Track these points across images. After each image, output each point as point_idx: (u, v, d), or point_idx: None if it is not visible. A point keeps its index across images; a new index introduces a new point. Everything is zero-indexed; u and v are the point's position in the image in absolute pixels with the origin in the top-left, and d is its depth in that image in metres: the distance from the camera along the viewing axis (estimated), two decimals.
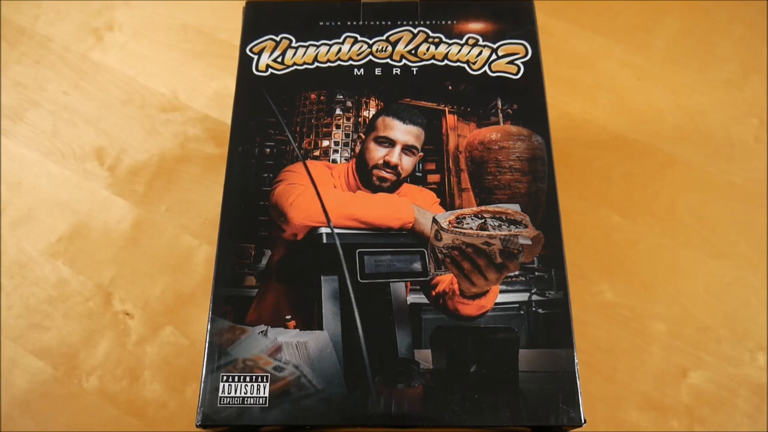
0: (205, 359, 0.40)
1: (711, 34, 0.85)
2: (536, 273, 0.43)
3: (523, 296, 0.42)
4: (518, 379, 0.39)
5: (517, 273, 0.42)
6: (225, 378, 0.39)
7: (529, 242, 0.40)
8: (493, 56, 0.51)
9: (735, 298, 0.68)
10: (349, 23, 0.51)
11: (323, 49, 0.50)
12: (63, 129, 0.79)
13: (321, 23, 0.51)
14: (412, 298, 0.42)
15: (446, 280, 0.42)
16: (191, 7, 0.87)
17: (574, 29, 0.85)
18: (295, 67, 0.49)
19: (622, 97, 0.80)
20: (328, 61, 0.50)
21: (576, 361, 0.41)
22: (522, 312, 0.42)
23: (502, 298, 0.42)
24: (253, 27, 0.51)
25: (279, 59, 0.50)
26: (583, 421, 0.39)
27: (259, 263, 0.42)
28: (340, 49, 0.50)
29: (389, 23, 0.51)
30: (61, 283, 0.69)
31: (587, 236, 0.71)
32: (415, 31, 0.51)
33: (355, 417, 0.39)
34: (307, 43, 0.50)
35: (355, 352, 0.40)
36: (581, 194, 0.74)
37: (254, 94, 0.49)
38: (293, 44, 0.50)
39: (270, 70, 0.49)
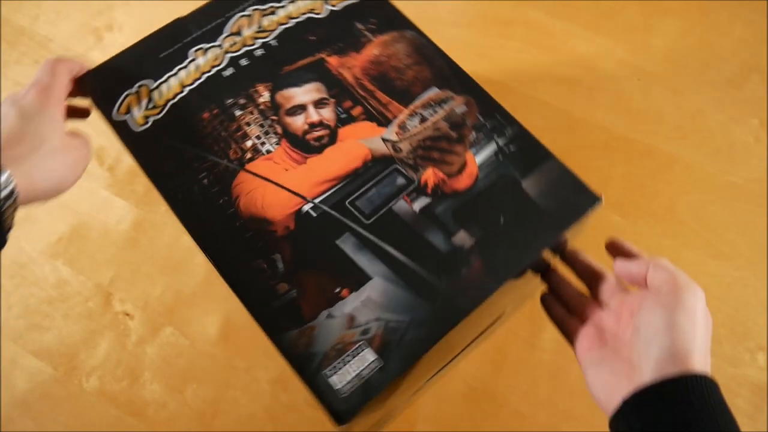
0: (299, 375, 0.40)
1: (711, 34, 0.85)
2: (487, 124, 0.48)
3: (492, 146, 0.47)
4: (537, 204, 0.45)
5: (474, 133, 0.47)
6: (329, 374, 0.39)
7: (465, 108, 0.47)
8: None
9: (735, 298, 0.68)
10: (185, 40, 0.51)
11: (182, 73, 0.50)
12: None
13: (162, 54, 0.51)
14: (417, 206, 0.45)
15: (430, 174, 0.46)
16: (191, 7, 0.87)
17: (574, 29, 0.85)
18: (170, 102, 0.49)
19: (622, 97, 0.80)
20: (195, 79, 0.50)
21: (562, 163, 0.47)
22: (500, 157, 0.47)
23: (479, 158, 0.47)
24: (104, 94, 0.50)
25: (150, 105, 0.49)
26: (599, 197, 0.46)
27: (278, 269, 0.42)
28: (198, 65, 0.50)
29: (221, 20, 0.52)
30: (60, 284, 0.69)
31: (587, 236, 0.71)
32: (249, 13, 0.52)
33: (452, 318, 0.41)
34: (165, 77, 0.50)
35: (409, 273, 0.42)
36: None
37: (153, 147, 0.47)
38: (153, 85, 0.49)
39: (150, 119, 0.48)
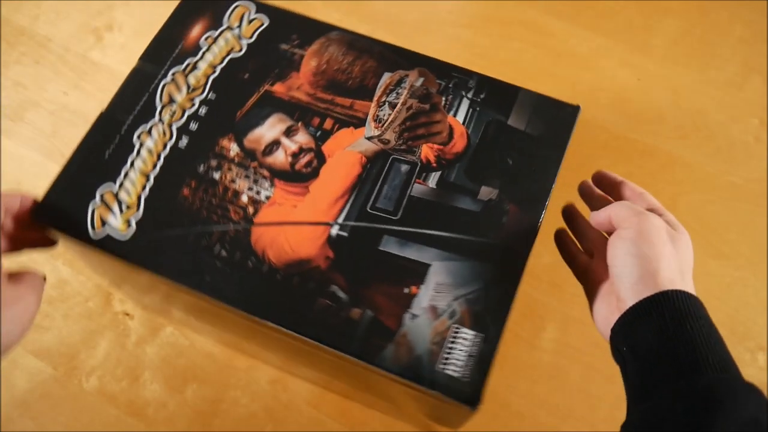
0: (416, 383, 0.40)
1: (711, 34, 0.85)
2: (450, 84, 0.49)
3: (465, 102, 0.49)
4: (530, 134, 0.48)
5: (443, 97, 0.49)
6: (442, 367, 0.40)
7: (422, 78, 0.49)
8: (236, 31, 0.52)
9: (735, 298, 0.68)
10: (123, 130, 0.48)
11: (138, 163, 0.46)
12: (63, 129, 0.79)
13: (106, 154, 0.47)
14: (432, 183, 0.46)
15: (427, 150, 0.47)
16: None
17: (574, 29, 0.85)
18: (142, 196, 0.45)
19: (622, 97, 0.80)
20: (154, 163, 0.46)
21: (532, 91, 0.50)
22: (477, 108, 0.49)
23: (460, 117, 0.48)
24: (69, 218, 0.45)
25: (124, 208, 0.45)
26: (577, 105, 0.49)
27: (341, 299, 0.42)
28: (149, 149, 0.47)
29: (147, 96, 0.49)
30: (60, 284, 0.69)
31: None
32: (170, 78, 0.50)
33: (517, 264, 0.43)
34: (123, 174, 0.46)
35: (460, 244, 0.44)
36: None
37: (151, 248, 0.43)
38: (115, 188, 0.45)
39: (132, 222, 0.44)
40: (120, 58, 0.83)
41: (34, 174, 0.75)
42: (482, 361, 0.40)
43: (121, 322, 0.67)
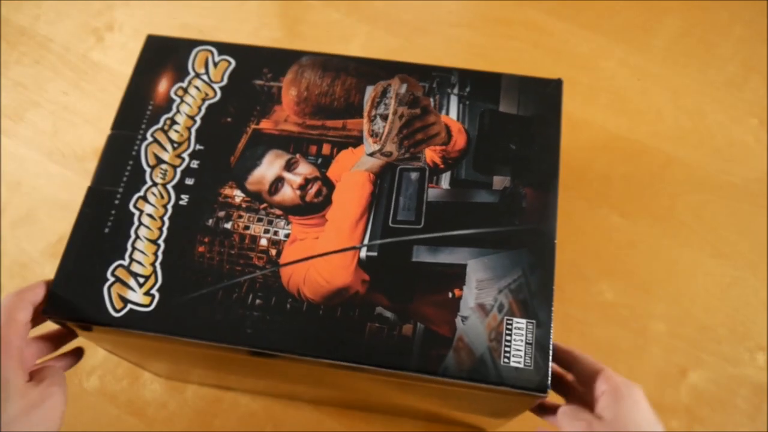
0: (485, 383, 0.40)
1: (711, 34, 0.85)
2: (433, 84, 0.50)
3: (453, 98, 0.50)
4: (522, 116, 0.49)
5: (431, 99, 0.49)
6: (506, 361, 0.40)
7: (405, 84, 0.49)
8: (205, 77, 0.50)
9: (735, 298, 0.68)
10: (116, 202, 0.46)
11: (143, 231, 0.45)
12: (63, 129, 0.79)
13: (105, 229, 0.45)
14: (444, 184, 0.47)
15: (431, 154, 0.48)
16: (191, 7, 0.87)
17: (574, 29, 0.85)
18: (156, 263, 0.44)
19: (622, 97, 0.80)
20: (159, 228, 0.45)
21: (514, 74, 0.50)
22: (466, 101, 0.49)
23: (453, 115, 0.49)
24: (84, 305, 0.43)
25: (141, 281, 0.43)
26: (559, 78, 0.50)
27: (390, 318, 0.42)
28: (151, 215, 0.45)
29: (132, 162, 0.47)
30: None
31: (587, 236, 0.71)
32: (151, 139, 0.48)
33: (548, 242, 0.44)
34: (129, 248, 0.44)
35: (489, 237, 0.44)
36: (581, 194, 0.74)
37: (181, 314, 0.42)
38: (126, 262, 0.44)
39: (153, 292, 0.43)
40: (120, 58, 0.83)
41: (35, 174, 0.75)
42: (541, 345, 0.41)
43: None
